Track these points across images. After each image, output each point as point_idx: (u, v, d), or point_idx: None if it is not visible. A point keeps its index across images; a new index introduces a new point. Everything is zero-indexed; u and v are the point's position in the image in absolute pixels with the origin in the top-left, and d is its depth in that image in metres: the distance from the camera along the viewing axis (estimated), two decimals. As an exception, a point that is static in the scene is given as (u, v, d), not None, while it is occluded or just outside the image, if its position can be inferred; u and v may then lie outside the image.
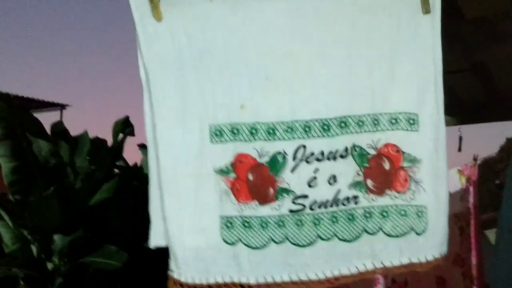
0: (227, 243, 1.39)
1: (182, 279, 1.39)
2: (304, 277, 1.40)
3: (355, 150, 1.41)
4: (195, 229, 1.39)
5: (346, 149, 1.41)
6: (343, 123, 1.40)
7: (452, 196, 2.07)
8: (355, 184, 1.41)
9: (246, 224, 1.39)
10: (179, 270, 1.39)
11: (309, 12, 1.42)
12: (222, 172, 1.40)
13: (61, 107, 13.61)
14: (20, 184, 4.30)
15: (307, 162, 1.39)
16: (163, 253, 1.45)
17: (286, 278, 1.40)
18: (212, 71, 1.39)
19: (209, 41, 1.39)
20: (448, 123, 1.50)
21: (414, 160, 1.42)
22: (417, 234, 1.42)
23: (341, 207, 1.40)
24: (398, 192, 1.42)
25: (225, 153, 1.39)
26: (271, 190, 1.39)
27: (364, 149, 1.42)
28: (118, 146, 5.21)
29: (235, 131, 1.39)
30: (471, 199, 2.99)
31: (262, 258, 1.39)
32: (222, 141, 1.39)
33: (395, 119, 1.42)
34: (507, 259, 1.96)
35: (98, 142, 5.20)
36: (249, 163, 1.39)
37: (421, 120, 1.42)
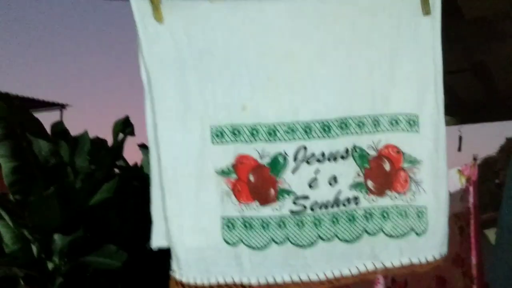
0: (228, 243, 1.40)
1: (184, 280, 1.39)
2: (305, 278, 1.40)
3: (356, 151, 1.42)
4: (196, 230, 1.39)
5: (347, 150, 1.41)
6: (343, 124, 1.41)
7: (452, 196, 2.08)
8: (356, 185, 1.42)
9: (247, 225, 1.40)
10: (180, 270, 1.39)
11: (309, 12, 1.42)
12: (223, 173, 1.40)
13: (61, 107, 13.59)
14: (20, 184, 4.30)
15: (308, 163, 1.40)
16: (163, 253, 1.45)
17: (287, 279, 1.40)
18: (212, 71, 1.40)
19: (209, 41, 1.39)
20: (448, 123, 1.51)
21: (414, 161, 1.43)
22: (417, 234, 1.42)
23: (342, 208, 1.41)
24: (399, 193, 1.43)
25: (226, 154, 1.40)
26: (272, 191, 1.40)
27: (364, 150, 1.42)
28: (118, 146, 5.21)
29: (236, 132, 1.40)
30: (471, 199, 3.00)
31: (263, 258, 1.40)
32: (223, 142, 1.40)
33: (396, 120, 1.43)
34: (507, 259, 1.96)
35: (98, 142, 5.20)
36: (250, 164, 1.40)
37: (422, 121, 1.42)
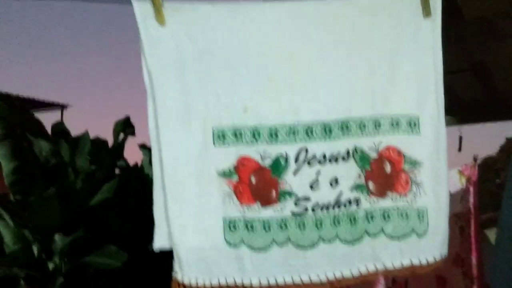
0: (229, 244, 1.40)
1: (186, 281, 1.40)
2: (306, 279, 1.41)
3: (357, 153, 1.42)
4: (198, 231, 1.40)
5: (348, 152, 1.41)
6: (344, 126, 1.41)
7: (453, 197, 2.08)
8: (357, 187, 1.42)
9: (249, 226, 1.40)
10: (182, 271, 1.40)
11: (310, 13, 1.43)
12: (225, 174, 1.41)
13: (62, 107, 13.57)
14: (21, 184, 4.30)
15: (309, 164, 1.40)
16: (163, 253, 1.45)
17: (288, 280, 1.41)
18: (213, 72, 1.40)
19: (210, 42, 1.40)
20: (448, 123, 1.51)
21: (415, 163, 1.43)
22: (418, 235, 1.43)
23: (343, 209, 1.41)
24: (399, 194, 1.43)
25: (228, 156, 1.40)
26: (274, 193, 1.40)
27: (365, 152, 1.43)
28: (119, 146, 5.21)
29: (237, 134, 1.40)
30: (471, 199, 3.00)
31: (265, 259, 1.40)
32: (225, 144, 1.40)
33: (396, 122, 1.43)
34: (507, 259, 1.96)
35: (99, 142, 5.20)
36: (252, 166, 1.40)
37: (422, 123, 1.43)
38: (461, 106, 4.23)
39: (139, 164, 5.43)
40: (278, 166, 1.40)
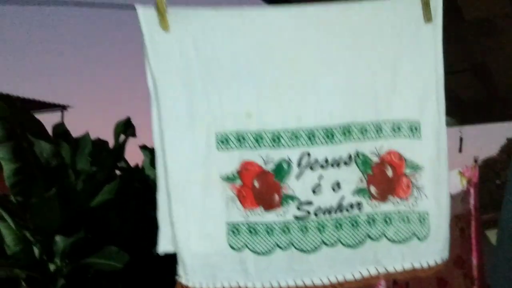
0: (233, 249, 1.41)
1: (190, 285, 1.41)
2: (308, 282, 1.42)
3: (359, 157, 1.43)
4: (202, 235, 1.40)
5: (350, 156, 1.42)
6: (346, 131, 1.42)
7: (453, 198, 2.08)
8: (359, 191, 1.43)
9: (252, 230, 1.41)
10: (186, 275, 1.40)
11: (314, 21, 1.43)
12: (228, 179, 1.41)
13: (63, 108, 13.56)
14: (22, 186, 4.30)
15: (312, 169, 1.41)
16: (164, 254, 1.46)
17: (291, 283, 1.42)
18: (218, 79, 1.41)
19: (215, 49, 1.40)
20: (448, 124, 1.51)
21: (416, 167, 1.44)
22: (419, 239, 1.44)
23: (345, 213, 1.42)
24: (401, 198, 1.44)
25: (231, 160, 1.41)
26: (276, 197, 1.41)
27: (367, 156, 1.43)
28: (120, 147, 5.21)
29: (241, 138, 1.41)
30: (471, 201, 3.01)
31: (268, 263, 1.41)
32: (228, 149, 1.41)
33: (398, 127, 1.44)
34: (508, 260, 1.97)
35: (100, 144, 5.19)
36: (255, 170, 1.41)
37: (423, 127, 1.44)
38: (462, 107, 4.24)
39: (140, 165, 5.43)
40: (280, 170, 1.41)
